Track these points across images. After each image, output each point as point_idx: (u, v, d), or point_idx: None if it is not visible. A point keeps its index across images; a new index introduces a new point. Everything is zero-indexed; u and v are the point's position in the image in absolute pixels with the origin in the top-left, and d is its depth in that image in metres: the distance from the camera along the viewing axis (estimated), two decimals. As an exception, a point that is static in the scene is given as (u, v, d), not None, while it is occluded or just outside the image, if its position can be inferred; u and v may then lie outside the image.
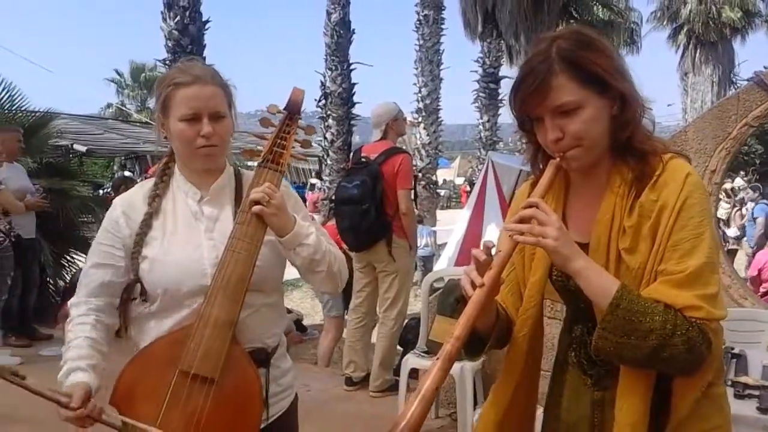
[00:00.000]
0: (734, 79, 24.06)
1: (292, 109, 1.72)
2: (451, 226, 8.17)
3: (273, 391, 1.65)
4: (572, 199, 1.46)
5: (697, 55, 24.20)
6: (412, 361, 3.92)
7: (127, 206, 1.68)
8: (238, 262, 1.55)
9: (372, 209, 4.27)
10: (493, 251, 1.37)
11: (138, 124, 22.87)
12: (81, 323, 1.62)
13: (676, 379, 1.33)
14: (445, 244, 9.74)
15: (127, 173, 16.11)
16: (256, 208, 1.56)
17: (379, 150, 4.44)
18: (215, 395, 1.49)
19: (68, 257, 8.61)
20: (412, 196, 4.52)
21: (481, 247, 1.35)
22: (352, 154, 4.83)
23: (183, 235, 1.64)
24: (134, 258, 1.62)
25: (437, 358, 1.27)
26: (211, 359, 1.50)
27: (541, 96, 1.33)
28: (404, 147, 7.35)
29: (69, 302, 1.68)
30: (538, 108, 1.35)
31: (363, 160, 4.45)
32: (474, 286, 1.33)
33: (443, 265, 9.17)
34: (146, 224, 1.63)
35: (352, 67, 12.24)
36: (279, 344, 1.73)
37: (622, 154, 1.38)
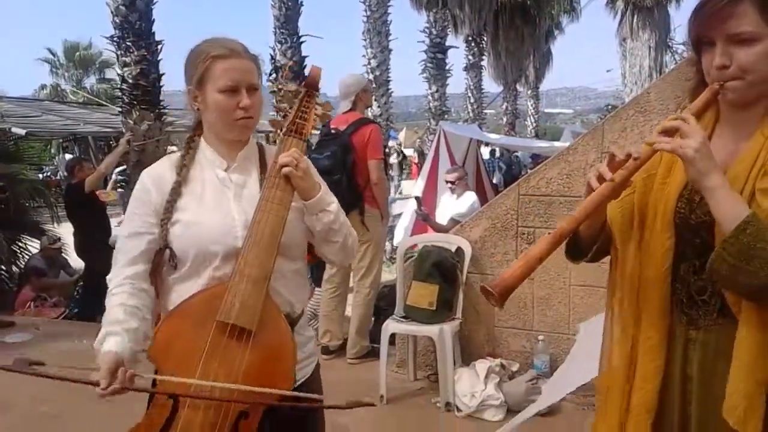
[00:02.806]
0: (670, 44, 24.70)
1: (311, 86, 1.81)
2: (405, 195, 8.21)
3: (298, 357, 1.68)
4: (718, 134, 1.44)
5: (635, 20, 24.66)
6: (392, 326, 4.00)
7: (157, 177, 1.73)
8: (269, 221, 1.62)
9: (344, 180, 4.30)
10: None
11: (75, 104, 22.15)
12: (117, 293, 1.66)
13: None
14: (401, 214, 9.81)
15: (68, 156, 15.65)
16: (285, 169, 1.64)
17: (349, 121, 4.45)
18: (252, 346, 1.55)
19: (20, 243, 8.38)
20: (383, 166, 4.57)
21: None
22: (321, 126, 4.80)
23: (212, 201, 1.69)
24: (164, 225, 1.66)
25: (549, 234, 1.32)
26: (249, 311, 1.56)
27: (722, 18, 1.33)
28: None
29: (107, 277, 1.71)
30: (714, 30, 1.35)
31: (332, 131, 4.47)
32: (601, 180, 1.35)
33: (400, 234, 9.26)
34: (175, 192, 1.68)
35: (301, 39, 12.09)
36: (302, 312, 1.79)
37: None
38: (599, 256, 1.59)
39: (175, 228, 1.66)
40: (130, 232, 1.70)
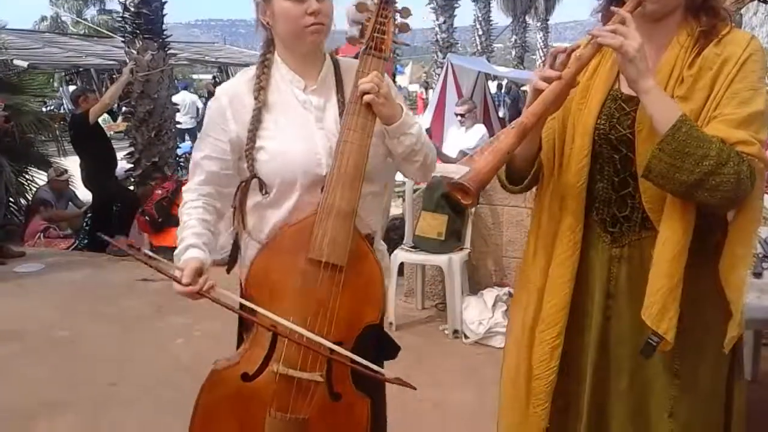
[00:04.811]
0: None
1: None
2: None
3: None
4: None
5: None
6: (401, 255, 4.04)
7: (233, 96, 1.68)
8: (353, 153, 1.58)
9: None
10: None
11: (77, 36, 21.77)
12: (193, 207, 1.70)
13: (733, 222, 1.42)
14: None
15: (72, 87, 15.49)
16: (367, 97, 1.57)
17: (355, 53, 4.35)
18: (345, 281, 1.58)
19: (26, 175, 8.40)
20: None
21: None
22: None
23: (295, 128, 1.66)
24: (249, 155, 1.64)
25: (512, 127, 1.35)
26: (339, 247, 1.56)
27: None
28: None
29: (183, 188, 1.76)
30: None
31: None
32: (549, 81, 1.37)
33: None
34: (257, 119, 1.64)
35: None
36: (377, 229, 1.80)
37: (695, 11, 1.43)
38: (532, 184, 1.64)
39: (259, 155, 1.64)
40: (204, 154, 1.70)
